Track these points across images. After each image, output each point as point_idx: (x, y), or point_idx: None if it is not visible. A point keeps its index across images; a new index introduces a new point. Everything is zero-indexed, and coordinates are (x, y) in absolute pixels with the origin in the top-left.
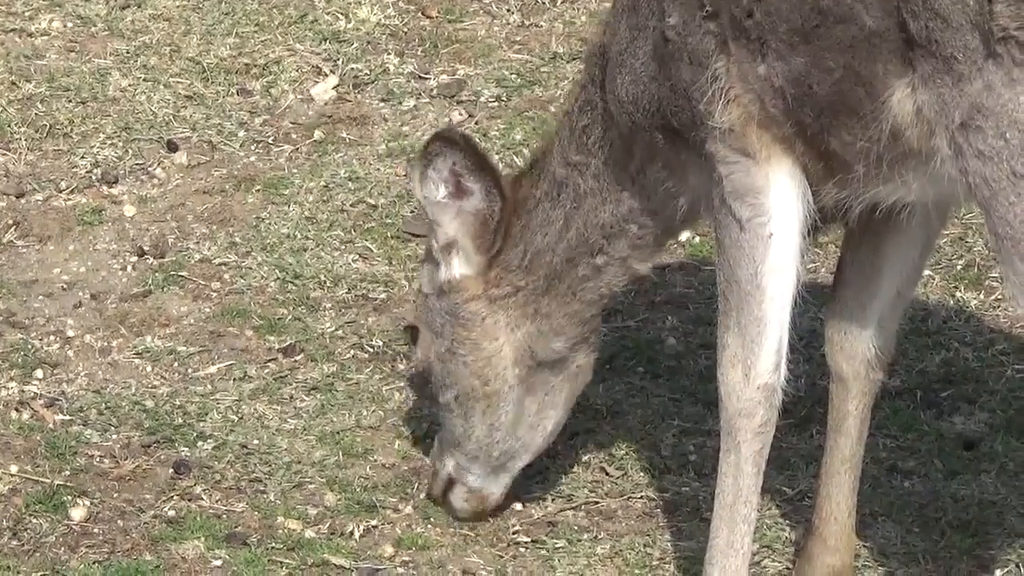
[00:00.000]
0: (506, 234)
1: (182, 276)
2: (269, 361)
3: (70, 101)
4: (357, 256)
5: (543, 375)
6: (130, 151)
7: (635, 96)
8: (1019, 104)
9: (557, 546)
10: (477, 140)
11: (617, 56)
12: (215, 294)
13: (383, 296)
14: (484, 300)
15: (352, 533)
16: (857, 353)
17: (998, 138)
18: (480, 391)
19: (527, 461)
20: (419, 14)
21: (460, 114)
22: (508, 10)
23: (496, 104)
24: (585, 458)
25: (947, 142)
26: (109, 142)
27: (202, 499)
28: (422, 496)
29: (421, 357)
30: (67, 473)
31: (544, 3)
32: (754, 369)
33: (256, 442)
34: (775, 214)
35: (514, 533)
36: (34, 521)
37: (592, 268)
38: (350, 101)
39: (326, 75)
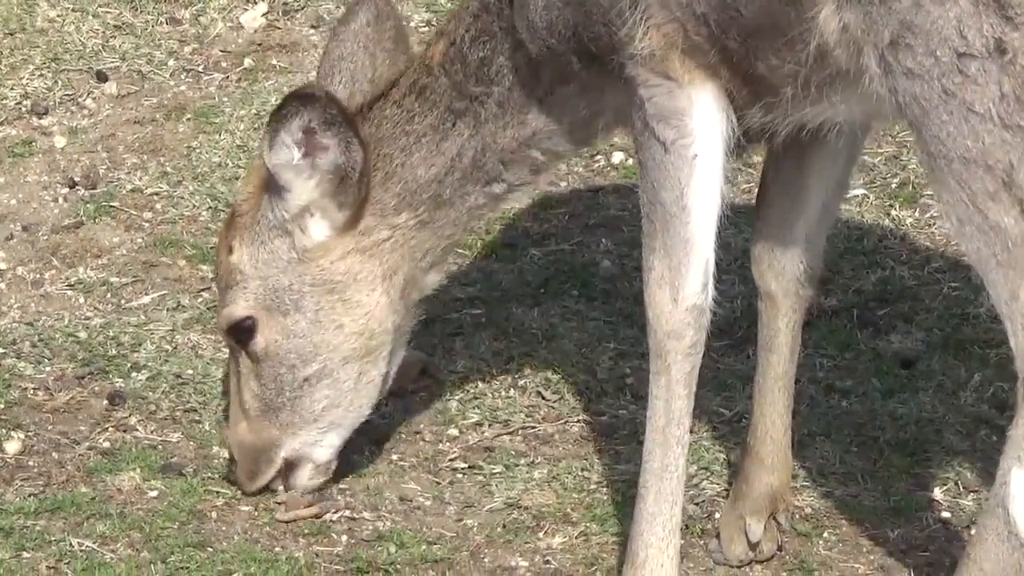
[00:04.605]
0: (373, 179)
1: (114, 207)
2: (202, 290)
3: None
4: None
5: (409, 317)
6: (60, 82)
7: (549, 21)
8: (948, 20)
9: (494, 471)
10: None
11: None
12: (147, 224)
13: None
14: (356, 254)
15: None
16: (786, 270)
17: (928, 56)
18: (363, 348)
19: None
20: None
21: None
22: None
23: (427, 29)
24: (521, 383)
25: (876, 61)
26: (38, 73)
27: (137, 430)
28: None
29: (265, 343)
30: (1, 406)
31: None
32: (682, 291)
33: (190, 372)
34: (699, 135)
35: (451, 459)
36: None
37: (489, 197)
38: (280, 28)
39: (255, 2)
